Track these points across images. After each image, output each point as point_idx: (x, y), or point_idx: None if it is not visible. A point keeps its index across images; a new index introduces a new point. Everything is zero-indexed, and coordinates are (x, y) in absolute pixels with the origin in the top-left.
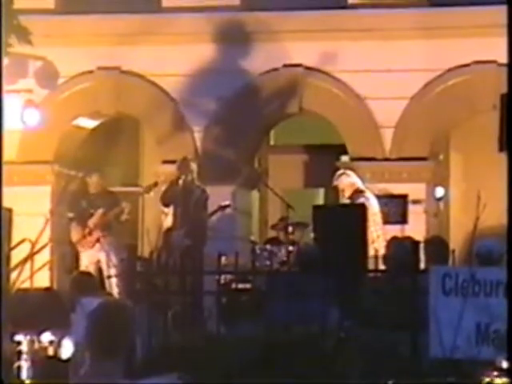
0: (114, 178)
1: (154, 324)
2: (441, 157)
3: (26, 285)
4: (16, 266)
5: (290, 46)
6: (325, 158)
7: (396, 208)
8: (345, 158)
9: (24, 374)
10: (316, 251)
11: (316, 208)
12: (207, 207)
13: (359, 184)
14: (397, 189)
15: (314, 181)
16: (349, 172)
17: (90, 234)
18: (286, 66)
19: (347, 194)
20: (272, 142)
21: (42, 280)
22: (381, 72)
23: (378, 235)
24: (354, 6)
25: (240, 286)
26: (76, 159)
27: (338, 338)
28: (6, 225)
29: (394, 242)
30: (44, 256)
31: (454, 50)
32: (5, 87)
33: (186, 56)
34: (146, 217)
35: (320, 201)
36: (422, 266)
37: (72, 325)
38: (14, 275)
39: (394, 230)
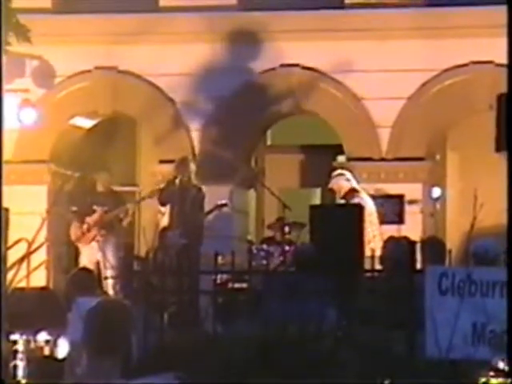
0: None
1: (151, 323)
2: (437, 157)
3: (23, 284)
4: (12, 266)
5: (287, 45)
6: (321, 157)
7: (392, 208)
8: (341, 158)
9: (20, 374)
10: (312, 251)
11: (313, 208)
12: (204, 206)
13: (355, 185)
14: (393, 189)
15: (311, 181)
16: (345, 172)
17: (88, 230)
18: (283, 65)
19: (342, 194)
20: (269, 142)
21: (39, 279)
22: (378, 72)
23: (375, 235)
24: (350, 6)
25: (236, 285)
26: (73, 159)
27: (334, 337)
28: (3, 224)
29: (390, 242)
30: (40, 255)
31: (451, 50)
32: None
33: (183, 56)
34: (143, 216)
35: (317, 201)
36: (419, 265)
37: (68, 324)
38: (10, 275)
39: (391, 230)
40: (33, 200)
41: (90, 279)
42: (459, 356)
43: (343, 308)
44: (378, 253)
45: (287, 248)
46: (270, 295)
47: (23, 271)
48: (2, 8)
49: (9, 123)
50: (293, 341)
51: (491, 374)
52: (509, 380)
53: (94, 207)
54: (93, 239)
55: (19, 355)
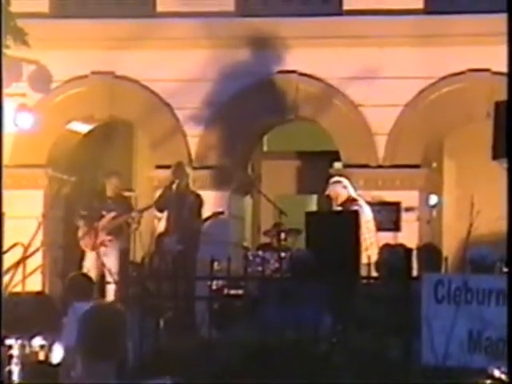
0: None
1: (146, 328)
2: (434, 164)
3: (18, 289)
4: (8, 270)
5: (285, 52)
6: (318, 164)
7: (389, 215)
8: (338, 165)
9: (15, 378)
10: (309, 257)
11: (309, 214)
12: (202, 213)
13: (352, 192)
14: (390, 196)
15: (307, 187)
16: (342, 179)
17: (96, 235)
18: (280, 72)
19: (340, 201)
20: (265, 148)
21: (34, 284)
22: (375, 79)
23: (371, 242)
24: (348, 13)
25: (232, 291)
26: (69, 163)
27: (330, 344)
28: None
29: (386, 249)
30: (36, 260)
31: (449, 57)
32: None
33: (180, 61)
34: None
35: (313, 207)
36: (415, 273)
37: (64, 329)
38: (6, 279)
39: (387, 238)
40: (29, 204)
41: (87, 284)
42: (455, 363)
43: (339, 314)
44: (374, 260)
45: (283, 254)
46: (266, 301)
47: (19, 275)
48: (2, 12)
49: (5, 127)
50: (289, 346)
51: (488, 381)
52: None
53: (103, 212)
54: (100, 244)
55: (14, 360)
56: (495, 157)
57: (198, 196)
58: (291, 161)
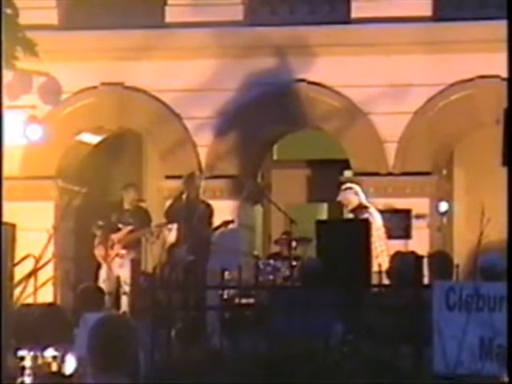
0: (117, 194)
1: (158, 339)
2: (444, 171)
3: (30, 300)
4: (20, 282)
5: (294, 61)
6: (328, 172)
7: (399, 223)
8: (348, 173)
9: None
10: (319, 266)
11: (319, 223)
12: (212, 222)
13: (363, 199)
14: (400, 203)
15: (318, 196)
16: (353, 186)
17: (111, 247)
18: (289, 81)
19: (351, 208)
20: (275, 157)
21: (46, 295)
22: (384, 87)
23: (382, 250)
24: (357, 21)
25: (243, 300)
26: (79, 174)
27: (341, 352)
28: (10, 240)
29: (397, 257)
30: (47, 271)
31: (457, 64)
32: (8, 103)
33: (189, 71)
34: None
35: (323, 216)
36: (426, 280)
37: (75, 340)
38: (17, 291)
39: (398, 245)
40: (40, 216)
41: (98, 295)
42: (467, 371)
43: (350, 323)
44: (385, 268)
45: (294, 263)
46: (277, 310)
47: (30, 287)
48: (3, 22)
49: (15, 139)
50: (299, 355)
51: None
52: None
53: (119, 225)
54: (116, 256)
55: (27, 371)
56: (505, 163)
57: (208, 205)
58: (301, 169)
